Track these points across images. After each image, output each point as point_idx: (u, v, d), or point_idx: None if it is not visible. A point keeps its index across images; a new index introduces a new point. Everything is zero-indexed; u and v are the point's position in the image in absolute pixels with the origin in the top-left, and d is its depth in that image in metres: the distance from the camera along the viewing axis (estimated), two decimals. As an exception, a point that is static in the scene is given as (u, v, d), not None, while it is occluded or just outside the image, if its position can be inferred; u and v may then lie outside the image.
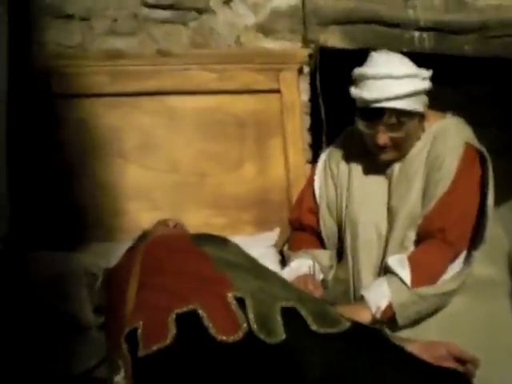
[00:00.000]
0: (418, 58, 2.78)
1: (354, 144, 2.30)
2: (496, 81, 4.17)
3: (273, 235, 2.75)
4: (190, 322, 1.52)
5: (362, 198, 2.24)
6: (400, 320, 1.99)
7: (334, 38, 3.06)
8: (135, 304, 1.69)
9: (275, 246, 2.67)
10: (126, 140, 2.81)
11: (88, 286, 2.16)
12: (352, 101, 2.14)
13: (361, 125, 2.11)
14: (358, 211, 2.23)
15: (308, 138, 3.00)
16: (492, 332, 2.12)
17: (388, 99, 2.02)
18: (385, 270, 2.07)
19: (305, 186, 2.47)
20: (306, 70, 2.98)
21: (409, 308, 1.99)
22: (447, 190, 2.07)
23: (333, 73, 2.88)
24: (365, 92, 2.05)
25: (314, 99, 3.03)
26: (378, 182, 2.23)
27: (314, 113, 3.03)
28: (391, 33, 3.15)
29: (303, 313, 1.57)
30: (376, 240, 2.19)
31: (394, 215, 2.15)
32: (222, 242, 2.11)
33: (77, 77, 2.75)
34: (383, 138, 2.07)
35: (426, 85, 2.09)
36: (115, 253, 2.50)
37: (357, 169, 2.27)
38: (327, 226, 2.33)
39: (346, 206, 2.27)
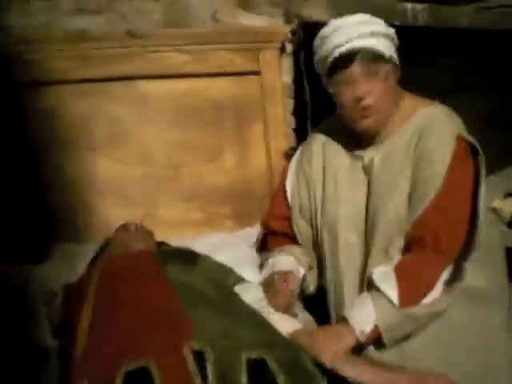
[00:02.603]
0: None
1: (327, 139, 2.13)
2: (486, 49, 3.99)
3: (254, 231, 2.48)
4: (139, 380, 1.36)
5: (338, 196, 2.04)
6: (386, 341, 1.79)
7: (319, 11, 2.82)
8: (84, 351, 1.52)
9: (255, 244, 2.47)
10: (95, 130, 2.61)
11: (47, 305, 1.98)
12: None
13: (335, 84, 1.92)
14: (335, 211, 2.03)
15: (292, 123, 2.77)
16: (481, 350, 1.90)
17: (356, 38, 1.85)
18: (369, 285, 1.86)
19: (277, 189, 2.28)
20: (289, 48, 2.73)
21: (396, 330, 1.79)
22: (439, 191, 1.85)
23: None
24: (330, 43, 1.88)
25: (297, 80, 2.79)
26: (355, 178, 2.03)
27: (298, 95, 2.81)
28: (382, 4, 2.93)
29: (272, 366, 1.40)
30: (357, 242, 1.99)
31: (375, 215, 1.94)
32: (190, 259, 1.95)
33: (39, 63, 2.51)
34: (361, 87, 1.87)
35: (394, 40, 1.95)
36: (81, 258, 2.36)
37: (331, 165, 2.08)
38: (301, 230, 2.15)
39: (322, 207, 2.07)
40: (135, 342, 1.44)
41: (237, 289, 2.02)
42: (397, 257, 1.89)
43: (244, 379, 1.38)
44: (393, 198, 1.92)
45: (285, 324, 1.86)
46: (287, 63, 2.74)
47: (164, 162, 2.66)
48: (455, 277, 1.84)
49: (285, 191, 2.19)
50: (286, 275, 2.03)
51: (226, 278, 2.02)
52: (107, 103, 2.61)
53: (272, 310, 1.94)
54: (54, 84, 2.55)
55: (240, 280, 2.08)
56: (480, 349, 1.89)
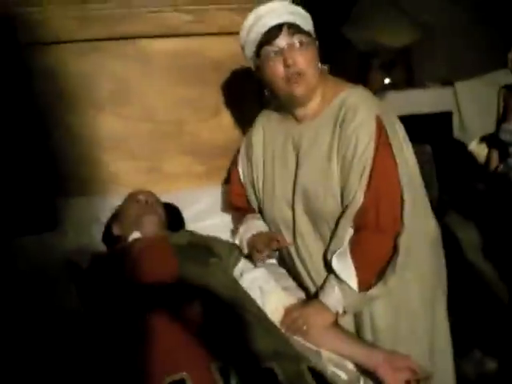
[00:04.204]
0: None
1: (268, 123, 2.35)
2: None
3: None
4: None
5: (274, 175, 2.28)
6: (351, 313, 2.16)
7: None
8: None
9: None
10: (99, 88, 2.70)
11: (73, 277, 2.14)
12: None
13: (265, 59, 2.08)
14: (272, 190, 2.28)
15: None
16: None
17: (279, 16, 2.05)
18: (331, 270, 2.12)
19: (231, 169, 2.55)
20: (289, 3, 2.77)
21: (360, 306, 2.13)
22: (371, 176, 2.05)
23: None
24: (256, 30, 2.07)
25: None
26: (287, 154, 2.25)
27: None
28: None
29: (281, 377, 1.62)
30: (291, 218, 2.24)
31: (307, 198, 2.16)
32: (204, 258, 2.15)
33: (44, 23, 2.55)
34: (289, 55, 2.03)
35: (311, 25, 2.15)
36: (94, 216, 2.56)
37: (270, 147, 2.31)
38: (255, 204, 2.42)
39: (263, 189, 2.33)
40: (173, 359, 1.64)
41: (239, 268, 2.27)
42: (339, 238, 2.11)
43: None
44: (324, 183, 2.12)
45: (281, 299, 2.15)
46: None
47: (166, 118, 2.79)
48: (394, 252, 2.07)
49: (238, 172, 2.46)
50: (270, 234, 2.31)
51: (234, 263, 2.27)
52: (111, 62, 2.69)
53: (271, 285, 2.21)
54: (58, 44, 2.60)
55: (240, 258, 2.32)
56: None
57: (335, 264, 2.08)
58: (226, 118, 2.84)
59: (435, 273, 2.24)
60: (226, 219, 2.66)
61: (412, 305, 2.18)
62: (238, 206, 2.51)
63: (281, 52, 2.05)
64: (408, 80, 5.95)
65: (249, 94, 2.80)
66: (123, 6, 2.61)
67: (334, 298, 2.07)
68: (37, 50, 2.61)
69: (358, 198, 2.05)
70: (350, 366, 1.98)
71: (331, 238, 2.14)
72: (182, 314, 1.80)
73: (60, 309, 2.01)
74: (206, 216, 2.71)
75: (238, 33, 2.64)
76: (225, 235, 2.53)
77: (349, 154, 2.06)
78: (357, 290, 2.04)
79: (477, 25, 5.18)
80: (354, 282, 2.04)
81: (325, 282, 2.14)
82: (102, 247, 2.51)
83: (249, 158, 2.40)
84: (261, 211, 2.39)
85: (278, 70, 2.07)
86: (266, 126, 2.36)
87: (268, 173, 2.31)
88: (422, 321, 2.19)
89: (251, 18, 2.10)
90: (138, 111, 2.76)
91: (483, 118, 5.41)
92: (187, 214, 2.67)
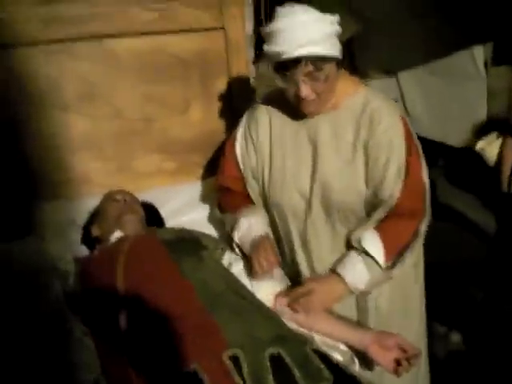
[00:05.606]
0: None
1: (273, 109, 2.32)
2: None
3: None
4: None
5: (285, 166, 2.27)
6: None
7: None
8: None
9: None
10: (66, 89, 2.67)
11: (61, 283, 2.12)
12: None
13: (280, 80, 2.08)
14: (282, 182, 2.28)
15: (253, 72, 2.92)
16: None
17: (300, 46, 1.95)
18: (353, 246, 2.15)
19: (227, 151, 2.46)
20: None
21: (378, 284, 2.18)
22: (405, 174, 2.12)
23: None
24: (275, 46, 1.99)
25: (258, 28, 2.89)
26: (300, 146, 2.25)
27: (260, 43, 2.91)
28: None
29: (288, 360, 1.68)
30: (304, 208, 2.26)
31: (329, 192, 2.19)
32: (196, 250, 2.18)
33: (7, 25, 2.50)
34: (305, 88, 2.04)
35: (336, 28, 2.00)
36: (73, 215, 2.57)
37: (278, 136, 2.29)
38: (255, 192, 2.41)
39: (270, 178, 2.32)
40: (182, 351, 1.67)
41: (226, 259, 2.30)
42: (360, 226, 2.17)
43: (271, 376, 1.64)
44: (348, 177, 2.17)
45: (270, 287, 2.19)
46: (249, 13, 2.81)
47: (134, 116, 2.78)
48: (415, 236, 2.16)
49: (235, 154, 2.41)
50: (269, 247, 2.23)
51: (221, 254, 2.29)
52: (77, 63, 2.65)
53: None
54: (23, 46, 2.55)
55: (226, 249, 2.35)
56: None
57: (364, 241, 2.11)
58: (195, 114, 2.85)
59: (421, 259, 2.36)
60: (203, 215, 2.69)
61: (408, 288, 2.30)
62: (234, 189, 2.44)
63: (295, 83, 2.03)
64: (352, 71, 6.07)
65: (215, 89, 2.83)
66: (89, 5, 2.57)
67: (357, 273, 2.10)
68: (1, 52, 2.55)
69: (395, 195, 2.12)
70: (343, 347, 2.06)
71: (357, 226, 2.18)
72: (184, 307, 1.83)
73: (43, 312, 2.02)
74: (182, 213, 2.71)
75: (202, 30, 2.70)
76: (205, 230, 2.52)
77: (382, 155, 2.12)
78: (383, 266, 2.09)
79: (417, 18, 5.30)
80: (381, 259, 2.09)
81: (343, 258, 2.17)
82: (80, 249, 2.51)
83: (252, 141, 2.35)
84: (263, 196, 2.37)
85: (290, 93, 2.09)
86: (272, 111, 2.32)
87: (276, 160, 2.29)
88: (416, 303, 2.33)
89: (273, 26, 1.99)
90: (105, 111, 2.74)
91: (427, 105, 5.57)
92: (162, 212, 2.68)
